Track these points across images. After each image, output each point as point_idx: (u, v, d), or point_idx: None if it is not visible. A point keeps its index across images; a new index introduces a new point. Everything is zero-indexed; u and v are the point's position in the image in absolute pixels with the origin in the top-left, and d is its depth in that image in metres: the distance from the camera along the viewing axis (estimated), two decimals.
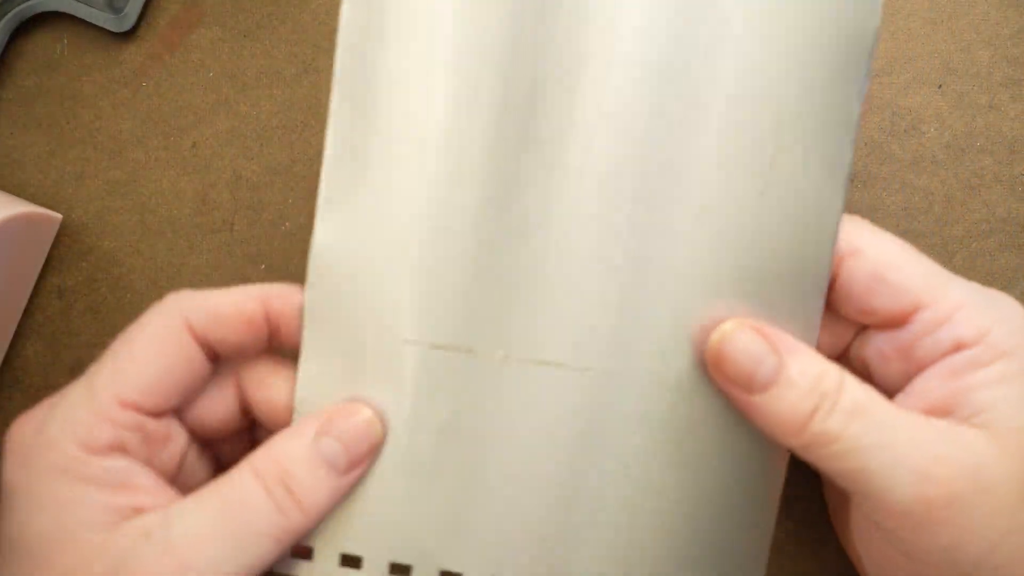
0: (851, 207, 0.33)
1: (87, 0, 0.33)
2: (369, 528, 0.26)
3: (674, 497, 0.26)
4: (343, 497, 0.26)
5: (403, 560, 0.26)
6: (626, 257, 0.26)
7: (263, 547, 0.24)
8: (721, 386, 0.26)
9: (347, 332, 0.26)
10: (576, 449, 0.26)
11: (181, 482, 0.27)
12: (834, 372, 0.25)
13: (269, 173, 0.34)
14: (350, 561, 0.26)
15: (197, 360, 0.26)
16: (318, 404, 0.26)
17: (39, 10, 0.33)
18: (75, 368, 0.34)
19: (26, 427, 0.25)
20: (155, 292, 0.34)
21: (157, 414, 0.26)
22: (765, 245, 0.26)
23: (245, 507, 0.24)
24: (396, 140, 0.26)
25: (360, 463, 0.26)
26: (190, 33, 0.34)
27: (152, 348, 0.25)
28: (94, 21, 0.33)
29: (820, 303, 0.26)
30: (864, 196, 0.33)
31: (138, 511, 0.24)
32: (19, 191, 0.34)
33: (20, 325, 0.34)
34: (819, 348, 0.27)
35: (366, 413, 0.26)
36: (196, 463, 0.27)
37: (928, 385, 0.25)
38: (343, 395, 0.26)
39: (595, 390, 0.26)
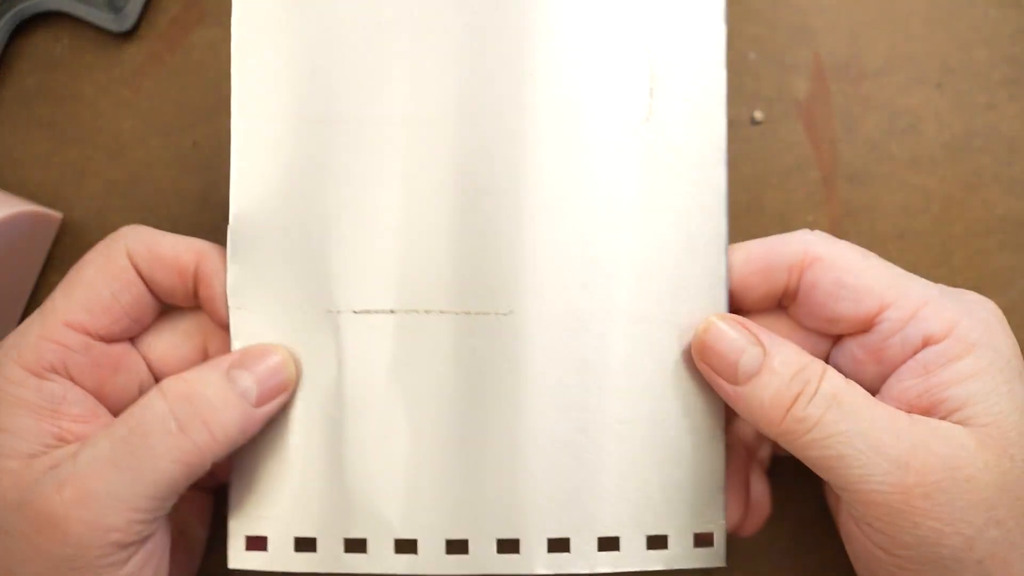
0: (850, 206, 0.33)
1: (87, 0, 0.33)
2: (322, 508, 0.27)
3: (614, 433, 0.27)
4: (253, 433, 0.26)
5: (357, 535, 0.27)
6: (543, 203, 0.27)
7: (165, 471, 0.24)
8: (706, 376, 0.26)
9: (270, 306, 0.27)
10: (508, 390, 0.27)
11: None
12: (816, 363, 0.25)
13: None
14: (305, 544, 0.27)
15: (139, 287, 0.26)
16: None
17: (39, 10, 0.34)
18: None
19: None
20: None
21: (107, 338, 0.26)
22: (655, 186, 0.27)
23: (147, 431, 0.24)
24: (303, 114, 0.27)
25: (270, 398, 0.26)
26: (190, 33, 0.34)
27: (98, 273, 0.26)
28: (94, 21, 0.33)
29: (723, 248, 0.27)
30: (863, 195, 0.33)
31: (61, 440, 0.25)
32: (19, 190, 0.34)
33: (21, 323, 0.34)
34: None
35: (280, 353, 0.26)
36: None
37: (903, 385, 0.25)
38: None
39: (519, 331, 0.27)
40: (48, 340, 0.25)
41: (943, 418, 0.24)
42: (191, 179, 0.34)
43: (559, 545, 0.27)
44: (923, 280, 0.26)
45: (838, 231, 0.33)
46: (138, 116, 0.34)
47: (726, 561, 0.27)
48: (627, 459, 0.27)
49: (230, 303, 0.27)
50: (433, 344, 0.27)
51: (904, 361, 0.26)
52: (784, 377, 0.25)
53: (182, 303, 0.28)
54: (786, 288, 0.27)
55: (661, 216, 0.27)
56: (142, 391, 0.27)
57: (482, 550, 0.27)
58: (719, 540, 0.27)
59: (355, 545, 0.27)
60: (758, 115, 0.34)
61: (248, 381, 0.25)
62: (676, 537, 0.27)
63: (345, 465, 0.27)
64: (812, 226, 0.33)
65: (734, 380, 0.26)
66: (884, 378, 0.26)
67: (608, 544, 0.27)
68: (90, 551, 0.23)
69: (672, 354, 0.27)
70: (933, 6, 0.34)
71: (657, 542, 0.27)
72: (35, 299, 0.34)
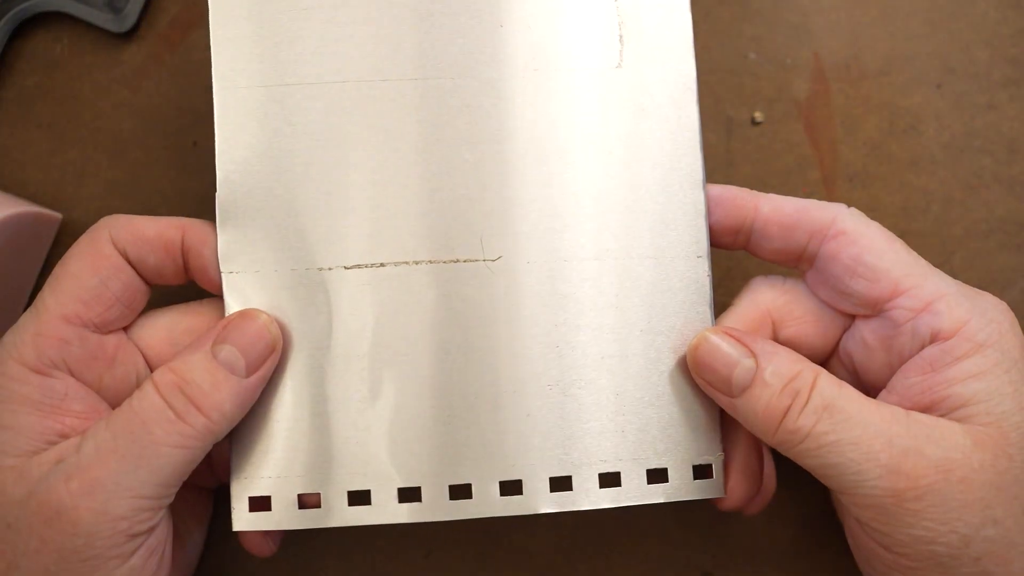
0: (850, 206, 0.33)
1: (87, 0, 0.33)
2: (323, 463, 0.27)
3: (605, 369, 0.28)
4: (251, 402, 0.26)
5: (359, 487, 0.27)
6: (523, 151, 0.28)
7: (166, 456, 0.24)
8: (703, 389, 0.27)
9: (262, 268, 0.27)
10: (499, 334, 0.27)
11: None
12: (808, 372, 0.25)
13: None
14: (308, 500, 0.27)
15: (127, 272, 0.27)
16: None
17: (39, 10, 0.34)
18: None
19: None
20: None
21: (101, 327, 0.26)
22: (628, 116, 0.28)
23: (146, 419, 0.24)
24: (287, 74, 0.28)
25: (259, 365, 0.26)
26: (190, 33, 0.34)
27: (85, 263, 0.26)
28: (94, 21, 0.33)
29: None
30: (863, 196, 0.33)
31: (63, 436, 0.25)
32: (19, 191, 0.34)
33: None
34: (809, 345, 0.28)
35: (261, 318, 0.26)
36: None
37: (908, 381, 0.25)
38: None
39: (508, 276, 0.28)
40: (45, 336, 0.25)
41: (943, 415, 0.25)
42: (191, 179, 0.34)
43: (561, 484, 0.27)
44: (942, 274, 0.26)
45: None
46: (138, 116, 0.34)
47: (724, 491, 0.28)
48: (621, 395, 0.28)
49: (222, 268, 0.27)
50: (423, 293, 0.27)
51: (912, 353, 0.26)
52: (775, 389, 0.25)
53: (172, 280, 0.28)
54: (804, 252, 0.27)
55: (638, 156, 0.28)
56: (139, 381, 0.27)
57: (485, 493, 0.27)
58: (717, 471, 0.28)
59: (358, 498, 0.27)
60: (758, 115, 0.34)
61: (233, 354, 0.25)
62: (675, 470, 0.28)
63: (343, 419, 0.27)
64: None
65: (729, 393, 0.26)
66: (892, 368, 0.26)
67: (609, 480, 0.27)
68: (98, 541, 0.23)
69: (658, 288, 0.28)
70: (933, 7, 0.34)
71: (657, 476, 0.28)
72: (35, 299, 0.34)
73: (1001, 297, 0.26)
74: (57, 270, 0.26)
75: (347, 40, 0.28)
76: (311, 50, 0.28)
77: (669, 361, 0.28)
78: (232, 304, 0.27)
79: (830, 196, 0.33)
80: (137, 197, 0.34)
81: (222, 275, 0.27)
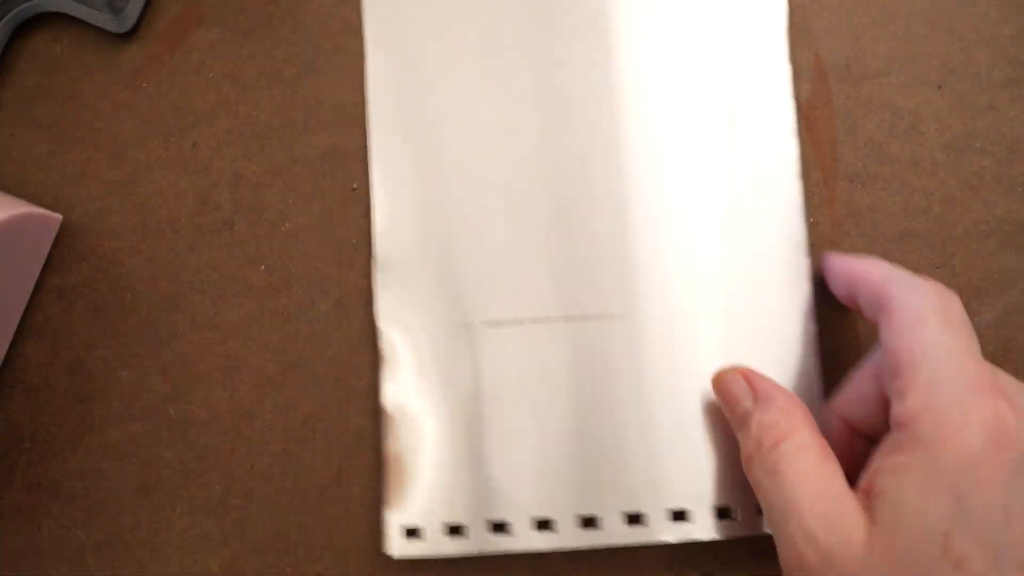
0: (851, 207, 0.33)
1: (87, 0, 0.33)
2: (468, 497, 0.31)
3: (718, 416, 0.31)
4: None
5: (500, 518, 0.31)
6: (644, 219, 0.32)
7: None
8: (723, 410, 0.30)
9: (414, 324, 0.31)
10: (625, 384, 0.31)
11: None
12: (781, 427, 0.27)
13: (269, 173, 0.34)
14: (455, 530, 0.31)
15: None
16: (401, 399, 0.31)
17: (39, 10, 0.33)
18: (75, 368, 0.34)
19: None
20: (155, 292, 0.34)
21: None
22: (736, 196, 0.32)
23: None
24: (436, 143, 0.32)
25: None
26: (190, 33, 0.34)
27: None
28: (94, 22, 0.33)
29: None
30: (864, 196, 0.33)
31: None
32: (19, 191, 0.34)
33: (20, 325, 0.34)
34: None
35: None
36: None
37: (873, 458, 0.26)
38: (416, 379, 0.31)
39: (632, 331, 0.31)
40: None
41: (870, 501, 0.25)
42: (191, 180, 0.34)
43: (680, 516, 0.31)
44: (950, 361, 0.25)
45: (839, 232, 0.33)
46: (138, 117, 0.34)
47: None
48: (731, 436, 0.30)
49: (380, 325, 0.32)
50: (558, 346, 0.31)
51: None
52: (751, 436, 0.28)
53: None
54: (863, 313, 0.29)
55: (747, 226, 0.31)
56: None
57: (612, 524, 0.30)
58: None
59: (499, 528, 0.31)
60: None
61: None
62: None
63: (485, 459, 0.31)
64: (814, 227, 0.33)
65: (734, 427, 0.29)
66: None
67: (722, 513, 0.31)
68: None
69: (758, 346, 0.31)
70: (934, 7, 0.34)
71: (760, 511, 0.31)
72: (35, 300, 0.34)
73: (1001, 298, 0.26)
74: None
75: (496, 122, 0.32)
76: (461, 128, 0.32)
77: None
78: (386, 353, 0.31)
79: (831, 197, 0.33)
80: (137, 197, 0.34)
81: (378, 327, 0.32)
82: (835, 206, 0.33)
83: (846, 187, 0.33)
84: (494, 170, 0.32)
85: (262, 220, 0.34)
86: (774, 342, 0.31)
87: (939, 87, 0.33)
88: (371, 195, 0.32)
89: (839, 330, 0.32)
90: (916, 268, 0.33)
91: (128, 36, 0.34)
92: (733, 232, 0.31)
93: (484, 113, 0.32)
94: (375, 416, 0.33)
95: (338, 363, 0.33)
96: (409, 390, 0.31)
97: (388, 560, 0.32)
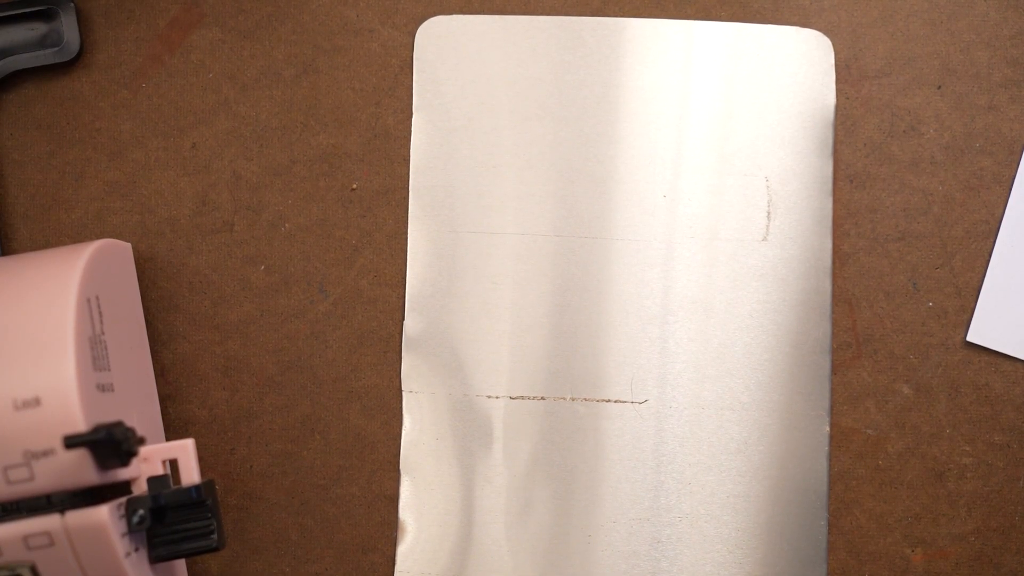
0: (851, 207, 0.33)
1: (27, 48, 0.33)
2: (473, 563, 0.31)
3: (730, 507, 0.31)
4: None
5: None
6: (678, 308, 0.32)
7: None
8: None
9: (437, 391, 0.32)
10: (646, 472, 0.31)
11: None
12: None
13: (269, 174, 0.34)
14: None
15: None
16: (418, 459, 0.32)
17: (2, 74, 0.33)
18: None
19: None
20: (155, 292, 0.34)
21: None
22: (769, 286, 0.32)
23: None
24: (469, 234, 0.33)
25: None
26: (190, 33, 0.34)
27: None
28: (45, 62, 0.33)
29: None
30: (863, 197, 0.33)
31: None
32: (19, 191, 0.34)
33: None
34: None
35: None
36: None
37: None
38: (437, 452, 0.32)
39: (653, 417, 0.32)
40: None
41: None
42: (190, 180, 0.34)
43: None
44: None
45: (839, 232, 0.33)
46: (137, 117, 0.34)
47: None
48: (743, 530, 0.31)
49: (403, 387, 0.32)
50: (577, 427, 0.32)
51: None
52: None
53: None
54: None
55: (775, 321, 0.32)
56: None
57: None
58: None
59: None
60: None
61: None
62: None
63: (499, 528, 0.31)
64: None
65: None
66: None
67: None
68: None
69: (782, 440, 0.31)
70: (933, 7, 0.34)
71: None
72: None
73: None
74: None
75: (529, 197, 0.32)
76: (497, 203, 0.32)
77: (786, 501, 0.31)
78: (408, 420, 0.32)
79: (830, 196, 0.33)
80: (137, 197, 0.34)
81: (403, 393, 0.32)
82: (835, 206, 0.33)
83: (846, 187, 0.33)
84: (531, 245, 0.32)
85: (261, 220, 0.34)
86: (794, 441, 0.31)
87: (939, 87, 0.33)
88: (407, 262, 0.33)
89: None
90: (916, 269, 0.33)
91: (128, 36, 0.34)
92: (760, 327, 0.32)
93: (528, 185, 0.32)
94: (375, 416, 0.33)
95: (338, 363, 0.33)
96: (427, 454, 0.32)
97: (388, 560, 0.32)
